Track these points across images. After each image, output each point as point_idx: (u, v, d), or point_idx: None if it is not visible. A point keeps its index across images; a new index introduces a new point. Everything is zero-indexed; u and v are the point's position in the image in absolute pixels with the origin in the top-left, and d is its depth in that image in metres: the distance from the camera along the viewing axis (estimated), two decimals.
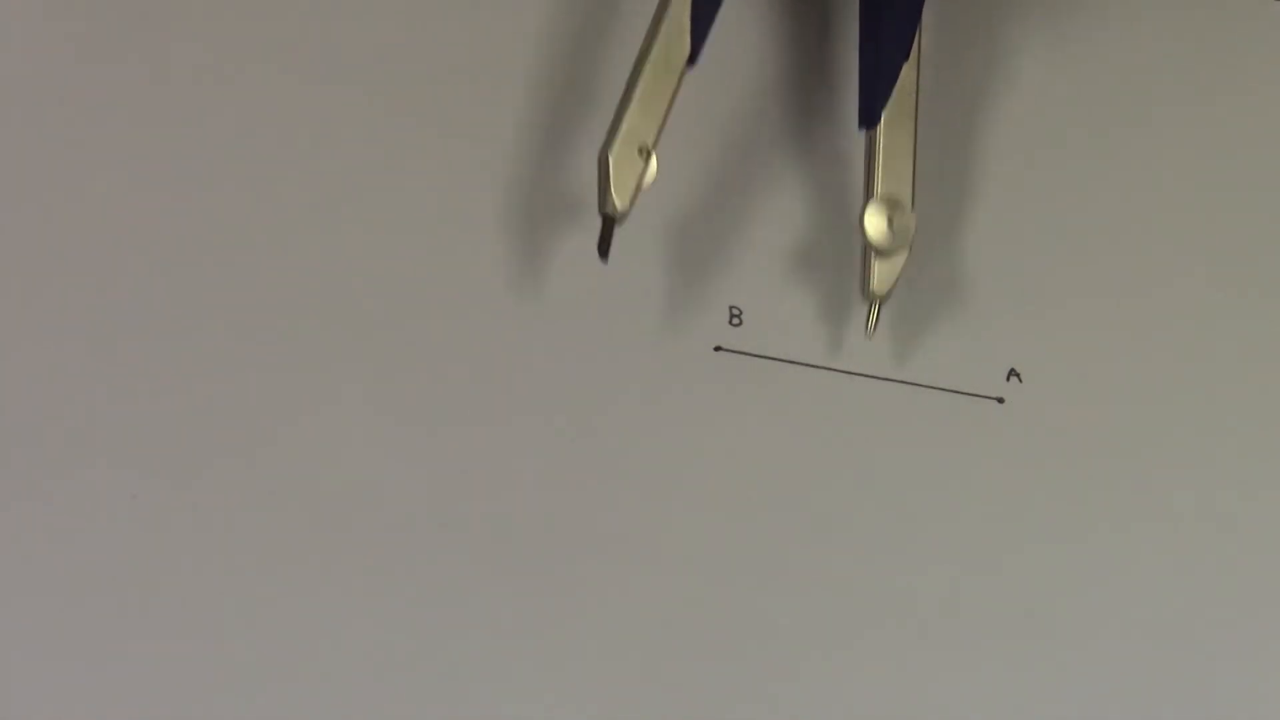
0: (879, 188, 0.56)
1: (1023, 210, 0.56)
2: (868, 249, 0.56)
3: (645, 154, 0.54)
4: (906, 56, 0.56)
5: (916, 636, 0.55)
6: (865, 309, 0.57)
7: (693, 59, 0.54)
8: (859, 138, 0.59)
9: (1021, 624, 0.55)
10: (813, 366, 0.57)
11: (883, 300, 0.57)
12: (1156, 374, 0.59)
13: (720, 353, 0.57)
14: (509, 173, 0.58)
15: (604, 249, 0.54)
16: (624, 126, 0.54)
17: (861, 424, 0.57)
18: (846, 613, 0.55)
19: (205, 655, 0.51)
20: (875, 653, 0.55)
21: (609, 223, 0.54)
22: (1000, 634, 0.55)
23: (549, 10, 0.58)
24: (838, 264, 0.58)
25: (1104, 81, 0.62)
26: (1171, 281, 0.60)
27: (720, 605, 0.54)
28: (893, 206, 0.56)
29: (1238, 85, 0.62)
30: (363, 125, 0.56)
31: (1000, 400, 0.58)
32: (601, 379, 0.56)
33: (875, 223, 0.56)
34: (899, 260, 0.56)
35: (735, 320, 0.57)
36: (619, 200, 0.53)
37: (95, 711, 0.50)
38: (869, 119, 0.56)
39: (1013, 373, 0.58)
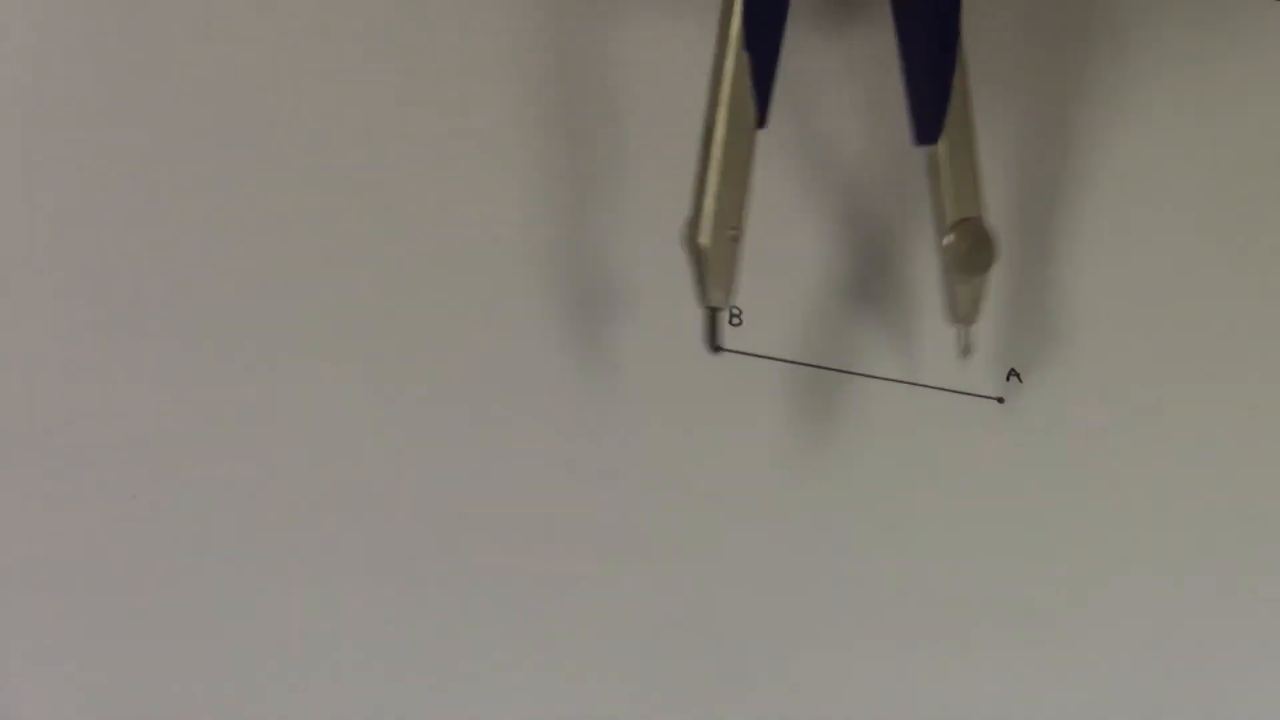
0: (950, 210, 0.54)
1: (1022, 210, 0.56)
2: (951, 273, 0.55)
3: (736, 236, 0.51)
4: (954, 64, 0.54)
5: (916, 636, 0.55)
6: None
7: (762, 121, 0.52)
8: (849, 133, 0.59)
9: (1021, 623, 0.55)
10: (813, 366, 0.57)
11: (971, 324, 0.56)
12: (1156, 374, 0.59)
13: (720, 353, 0.57)
14: (508, 178, 0.58)
15: (713, 341, 0.52)
16: (709, 209, 0.51)
17: (861, 424, 0.57)
18: (846, 612, 0.55)
19: (205, 655, 0.51)
20: (875, 652, 0.55)
21: (714, 315, 0.52)
22: (1000, 633, 0.55)
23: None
24: (837, 264, 0.58)
25: (1099, 78, 0.62)
26: (1171, 281, 0.60)
27: (720, 604, 0.54)
28: (972, 232, 0.54)
29: (1238, 85, 0.62)
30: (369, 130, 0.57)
31: (1000, 400, 0.58)
32: (601, 379, 0.56)
33: (955, 249, 0.54)
34: (981, 281, 0.55)
35: (735, 320, 0.57)
36: (721, 292, 0.52)
37: (95, 711, 0.50)
38: (929, 134, 0.54)
39: (1013, 373, 0.58)
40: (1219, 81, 0.62)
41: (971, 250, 0.55)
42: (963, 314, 0.56)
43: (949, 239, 0.55)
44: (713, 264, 0.51)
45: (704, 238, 0.51)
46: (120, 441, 0.53)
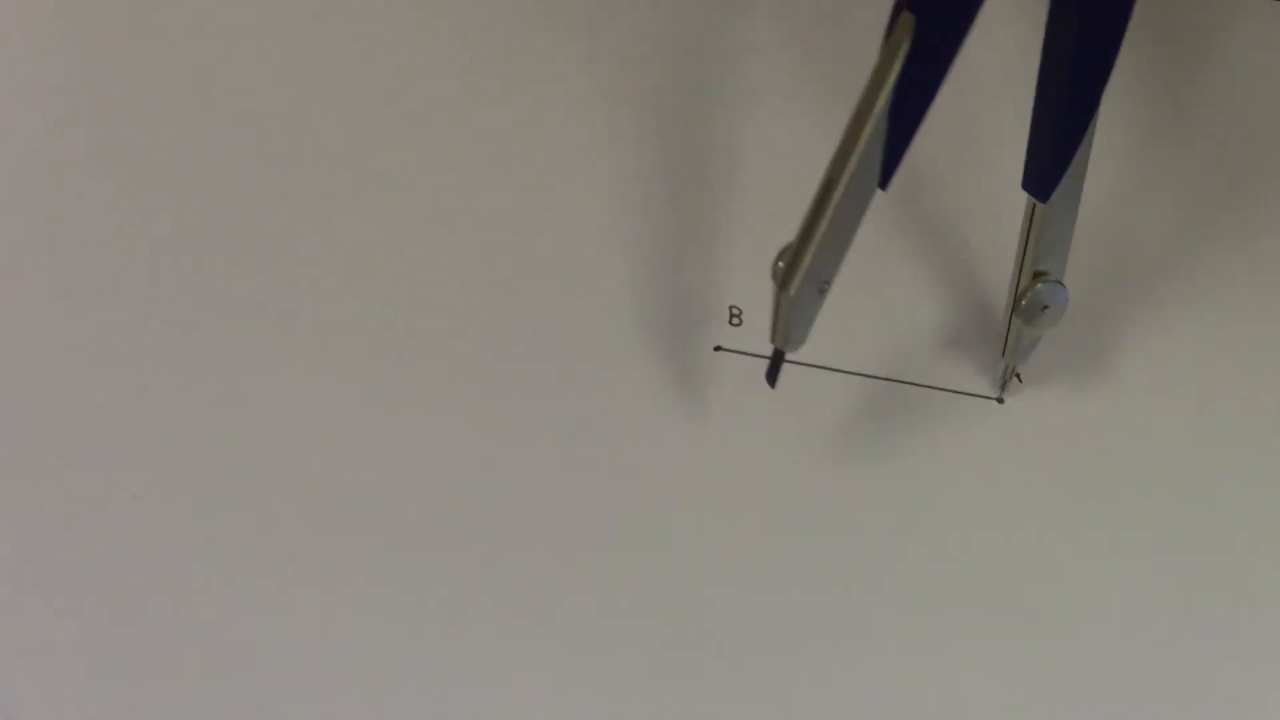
0: (1032, 260, 0.54)
1: (1018, 209, 0.56)
2: (1014, 317, 0.55)
3: (824, 289, 0.50)
4: (1084, 132, 0.52)
5: (915, 634, 0.55)
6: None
7: (884, 185, 0.50)
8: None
9: (1019, 622, 0.55)
10: (813, 366, 0.57)
11: (1019, 365, 0.57)
12: (1156, 374, 0.59)
13: (720, 353, 0.57)
14: (505, 173, 0.58)
15: (773, 379, 0.52)
16: (809, 262, 0.50)
17: (862, 424, 0.57)
18: (846, 611, 0.55)
19: (205, 655, 0.51)
20: (874, 650, 0.55)
21: (780, 356, 0.52)
22: (998, 632, 0.55)
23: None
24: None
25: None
26: (1169, 281, 0.60)
27: (720, 604, 0.54)
28: (1049, 289, 0.55)
29: (1238, 86, 0.62)
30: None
31: (1000, 400, 0.58)
32: (602, 379, 0.56)
33: (1031, 301, 0.55)
34: (1039, 333, 0.56)
35: (735, 320, 0.57)
36: (797, 339, 0.51)
37: (95, 711, 0.50)
38: (1041, 192, 0.53)
39: (1013, 372, 0.58)
40: (1219, 82, 0.62)
41: (1045, 307, 0.55)
42: (1017, 355, 0.57)
43: (1027, 288, 0.55)
44: (796, 314, 0.50)
45: (794, 289, 0.50)
46: (120, 441, 0.53)
